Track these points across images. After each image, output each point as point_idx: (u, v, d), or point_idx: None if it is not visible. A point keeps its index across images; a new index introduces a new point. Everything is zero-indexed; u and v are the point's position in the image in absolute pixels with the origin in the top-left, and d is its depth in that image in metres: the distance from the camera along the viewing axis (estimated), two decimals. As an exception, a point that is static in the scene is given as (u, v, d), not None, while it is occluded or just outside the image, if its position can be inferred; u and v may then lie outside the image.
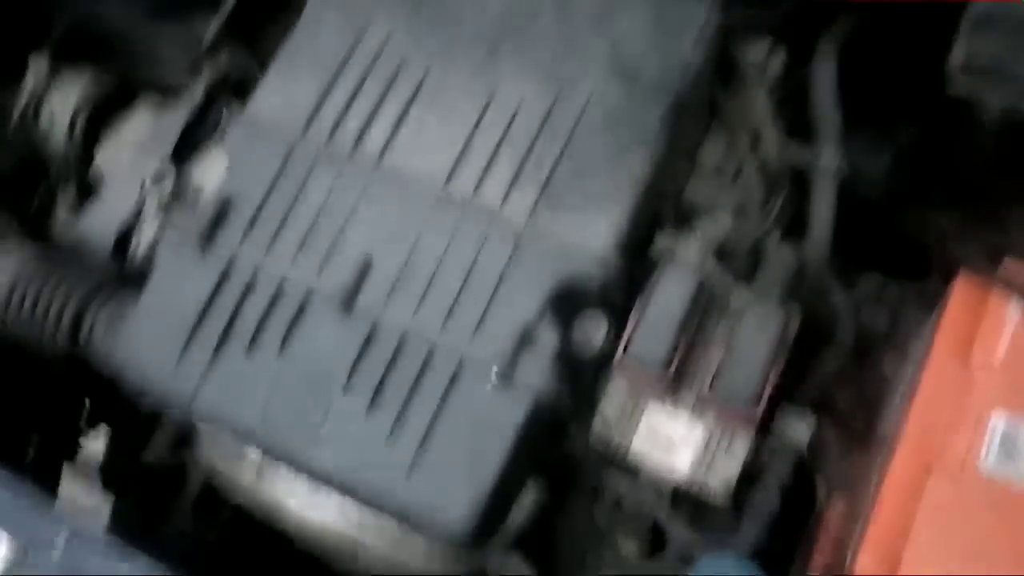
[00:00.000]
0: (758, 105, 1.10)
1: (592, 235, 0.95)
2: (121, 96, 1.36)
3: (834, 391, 1.10)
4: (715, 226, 1.02)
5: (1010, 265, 0.90)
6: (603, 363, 0.97)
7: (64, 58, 1.42)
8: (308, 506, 1.05)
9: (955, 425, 0.85)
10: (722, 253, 1.01)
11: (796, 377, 1.03)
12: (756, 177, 1.11)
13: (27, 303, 1.12)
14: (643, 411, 0.98)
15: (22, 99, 1.39)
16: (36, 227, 1.35)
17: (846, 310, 1.08)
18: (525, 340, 0.92)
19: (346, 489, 0.96)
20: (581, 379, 0.97)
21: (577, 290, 0.94)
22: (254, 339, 0.99)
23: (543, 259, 0.95)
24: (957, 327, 0.91)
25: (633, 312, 0.95)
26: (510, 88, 1.03)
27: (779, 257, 1.02)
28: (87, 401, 1.27)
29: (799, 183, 1.16)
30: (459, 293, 0.96)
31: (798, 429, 1.00)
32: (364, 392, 0.95)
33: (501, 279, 0.95)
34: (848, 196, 1.15)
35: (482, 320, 0.94)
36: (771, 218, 1.11)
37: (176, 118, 1.28)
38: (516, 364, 0.91)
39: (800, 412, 1.01)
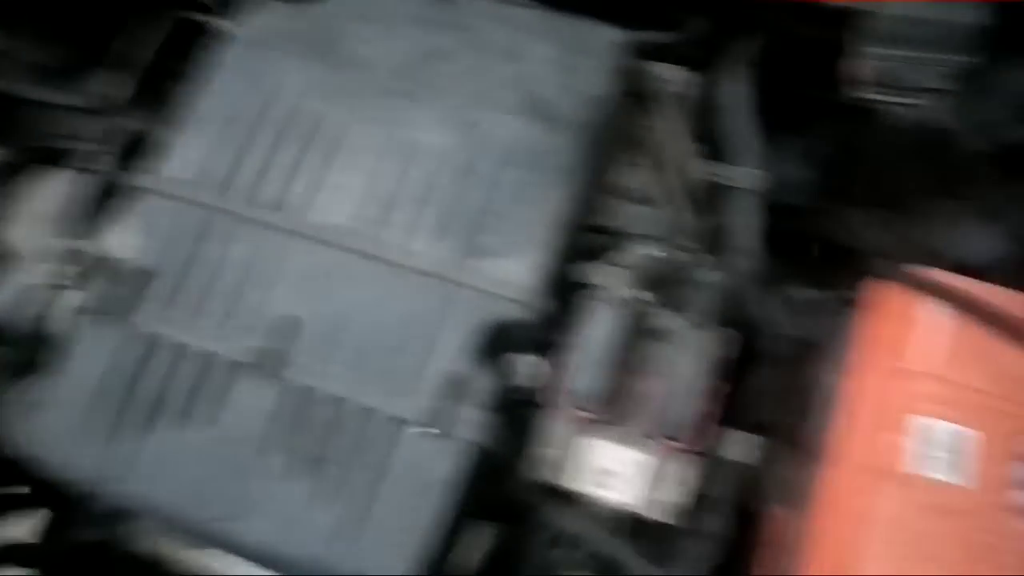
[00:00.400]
0: (674, 129, 1.11)
1: (518, 277, 0.94)
2: (24, 167, 1.32)
3: (769, 404, 1.11)
4: (642, 255, 1.02)
5: (920, 271, 0.91)
6: (538, 401, 0.97)
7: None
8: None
9: (883, 430, 0.86)
10: (651, 281, 1.01)
11: (732, 394, 1.03)
12: (678, 200, 1.12)
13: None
14: (585, 447, 0.97)
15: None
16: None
17: (775, 322, 1.10)
18: (459, 390, 0.91)
19: (285, 561, 0.93)
20: (518, 420, 0.96)
21: (507, 333, 0.94)
22: (184, 412, 0.96)
23: (471, 306, 0.94)
24: (876, 334, 0.93)
25: (566, 348, 0.95)
26: (428, 137, 1.02)
27: (708, 280, 1.02)
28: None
29: (720, 201, 1.17)
30: (390, 349, 0.94)
31: (739, 447, 1.00)
32: (301, 458, 0.93)
33: (431, 331, 0.94)
34: (769, 204, 1.17)
35: (414, 375, 0.93)
36: (696, 240, 1.12)
37: (86, 188, 1.24)
38: (452, 416, 0.90)
39: (739, 429, 1.01)
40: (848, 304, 1.13)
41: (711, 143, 1.20)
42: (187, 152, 1.07)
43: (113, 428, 0.97)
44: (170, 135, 1.31)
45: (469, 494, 0.90)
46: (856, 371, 0.89)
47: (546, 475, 0.96)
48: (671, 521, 0.93)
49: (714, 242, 1.16)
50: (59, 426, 0.98)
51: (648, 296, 0.99)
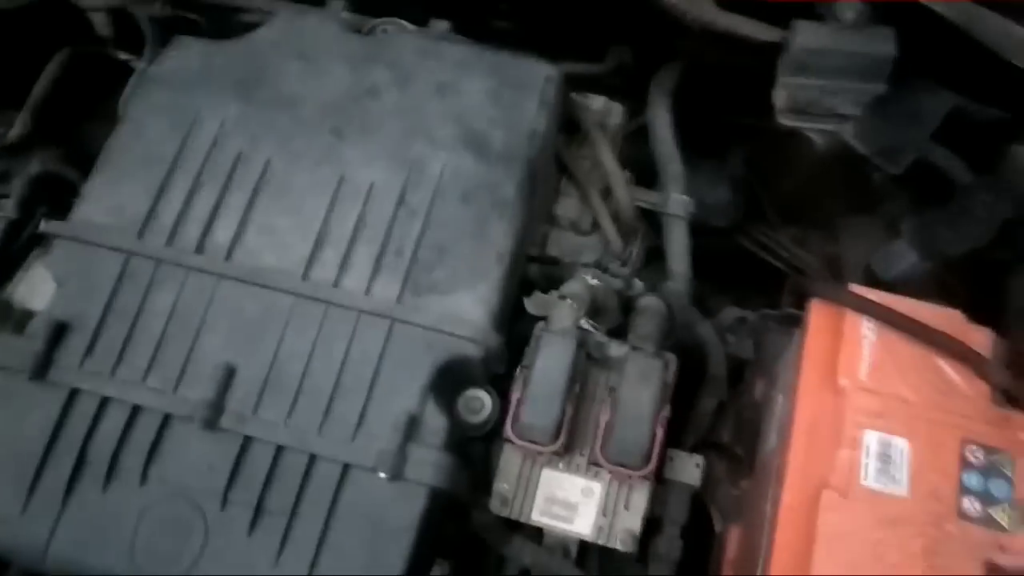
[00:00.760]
0: (604, 157, 1.13)
1: (464, 313, 0.93)
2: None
3: (714, 424, 1.13)
4: (583, 285, 1.02)
5: (858, 289, 0.95)
6: (492, 436, 0.96)
7: None
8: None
9: (835, 447, 0.88)
10: (593, 310, 1.02)
11: (678, 416, 1.05)
12: (611, 227, 1.14)
13: None
14: (539, 479, 0.96)
15: None
16: None
17: (714, 343, 1.12)
18: (410, 432, 0.89)
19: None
20: (472, 457, 0.95)
21: (457, 370, 0.92)
22: (110, 471, 0.90)
23: (417, 345, 0.92)
24: (820, 352, 0.95)
25: (516, 383, 0.94)
26: (359, 173, 1.00)
27: (647, 305, 1.03)
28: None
29: (651, 227, 1.20)
30: (333, 393, 0.91)
31: (689, 470, 1.02)
32: (243, 511, 0.88)
33: (376, 372, 0.91)
34: (695, 227, 1.20)
35: (362, 418, 0.90)
36: (632, 266, 1.14)
37: (-12, 234, 1.17)
38: (405, 459, 0.87)
39: (688, 452, 1.03)
40: (779, 321, 1.17)
41: (638, 170, 1.22)
42: (101, 195, 1.01)
43: (28, 493, 0.90)
44: (80, 177, 1.25)
45: (427, 538, 0.87)
46: (803, 391, 0.92)
47: (502, 510, 0.94)
48: (628, 548, 0.93)
49: (646, 267, 1.18)
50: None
51: (591, 324, 0.99)
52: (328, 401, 0.91)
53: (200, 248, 0.97)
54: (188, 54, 1.09)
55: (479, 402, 0.95)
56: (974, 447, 0.86)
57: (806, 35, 1.03)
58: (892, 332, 0.92)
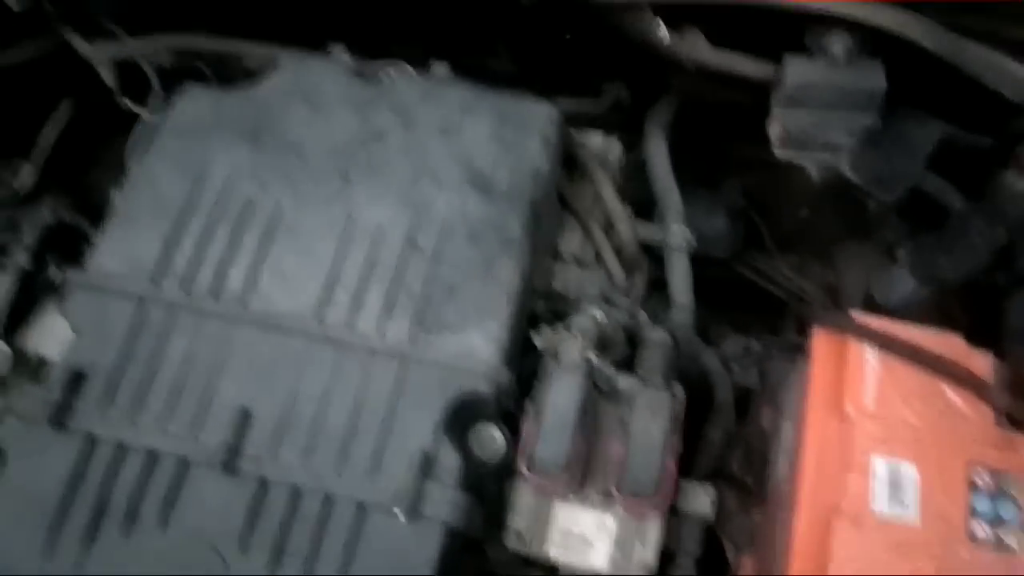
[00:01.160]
0: (606, 194, 1.15)
1: (476, 350, 0.95)
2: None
3: (724, 453, 1.14)
4: (590, 319, 1.04)
5: (860, 317, 0.97)
6: (505, 472, 0.97)
7: None
8: None
9: (844, 474, 0.90)
10: (600, 344, 1.03)
11: (686, 447, 1.06)
12: (614, 261, 1.16)
13: None
14: (553, 514, 0.97)
15: None
16: None
17: (720, 373, 1.14)
18: (426, 470, 0.90)
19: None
20: (487, 493, 0.96)
21: (469, 407, 0.94)
22: (130, 517, 0.91)
23: (430, 383, 0.93)
24: (825, 379, 0.97)
25: (527, 418, 0.95)
26: (367, 214, 1.02)
27: (654, 338, 1.05)
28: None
29: (652, 259, 1.22)
30: (348, 433, 0.92)
31: (700, 501, 1.03)
32: (263, 554, 0.89)
33: (390, 411, 0.93)
34: (694, 258, 1.22)
35: (378, 457, 0.91)
36: (635, 298, 1.16)
37: (1, 285, 1.18)
38: (422, 497, 0.89)
39: (699, 482, 1.04)
40: (783, 350, 1.18)
41: (637, 203, 1.25)
42: (116, 244, 1.03)
43: (51, 541, 0.90)
44: (88, 225, 1.27)
45: (448, 573, 0.88)
46: (811, 419, 0.93)
47: (518, 545, 0.95)
48: (645, 580, 0.94)
49: (649, 299, 1.20)
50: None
51: (600, 358, 1.01)
52: (344, 441, 0.92)
53: (214, 293, 0.99)
54: (197, 103, 1.12)
55: (491, 438, 0.96)
56: (981, 470, 0.87)
57: (798, 71, 1.06)
58: (895, 359, 0.94)
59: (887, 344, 0.93)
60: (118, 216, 1.05)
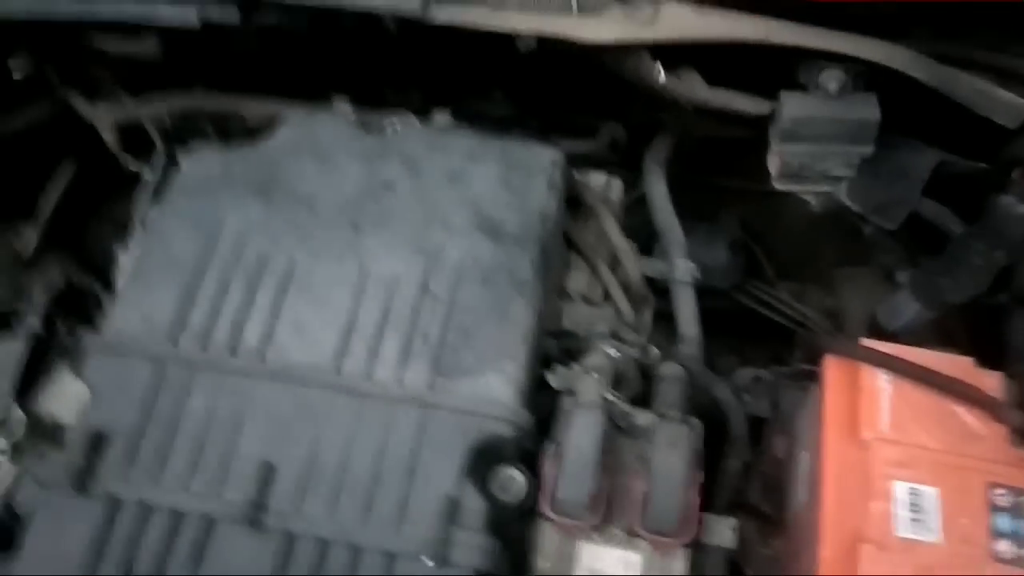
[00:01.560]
0: (611, 232, 1.17)
1: (494, 393, 0.96)
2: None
3: (741, 484, 1.15)
4: (604, 356, 1.05)
5: (870, 343, 0.99)
6: (528, 512, 0.97)
7: None
8: None
9: (866, 499, 0.91)
10: (615, 381, 1.04)
11: (705, 479, 1.07)
12: (623, 298, 1.17)
13: None
14: (578, 553, 0.97)
15: None
16: None
17: (733, 404, 1.15)
18: (451, 516, 0.90)
19: None
20: (511, 534, 0.96)
21: (490, 450, 0.94)
22: (157, 576, 0.91)
23: (451, 429, 0.94)
24: (840, 406, 0.98)
25: (547, 459, 0.96)
26: (380, 264, 1.03)
27: (668, 372, 1.06)
28: None
29: (657, 294, 1.24)
30: (372, 483, 0.93)
31: (723, 533, 1.03)
32: (290, 607, 0.89)
33: (413, 459, 0.93)
34: (698, 290, 1.24)
35: (403, 506, 0.91)
36: (644, 334, 1.17)
37: (13, 350, 1.18)
38: (449, 544, 0.89)
39: (720, 515, 1.04)
40: (793, 378, 1.20)
41: (633, 236, 1.26)
42: (132, 305, 1.04)
43: (77, 604, 0.90)
44: (98, 286, 1.28)
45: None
46: (828, 446, 0.94)
47: (545, 586, 0.96)
48: (672, 616, 0.94)
49: (656, 334, 1.22)
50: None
51: (616, 395, 1.02)
52: (368, 491, 0.92)
53: (232, 349, 1.00)
54: (205, 161, 1.13)
55: (512, 481, 0.96)
56: (1000, 490, 0.89)
57: (794, 106, 1.09)
58: (906, 383, 0.96)
59: (899, 369, 0.95)
60: (132, 276, 1.06)
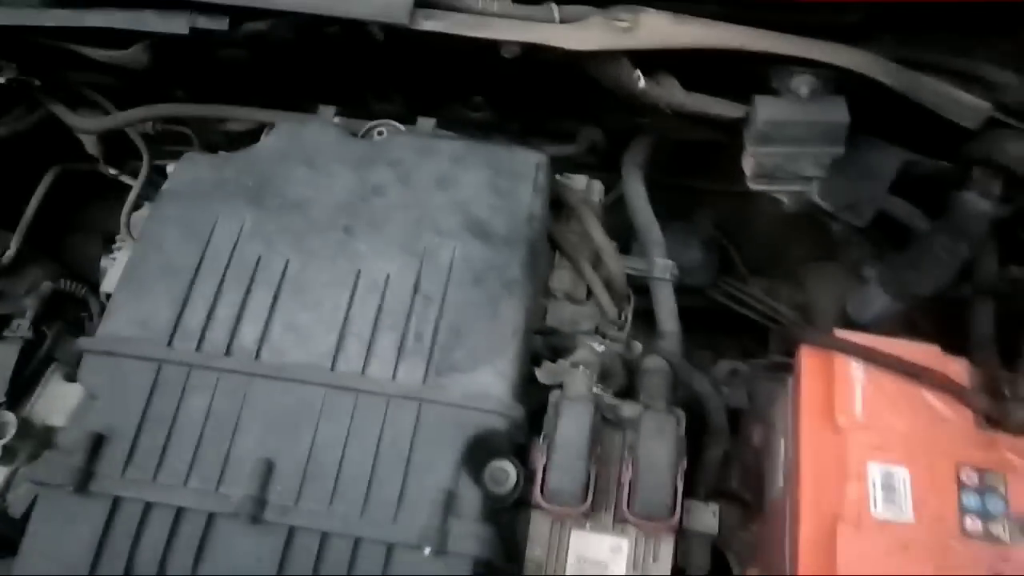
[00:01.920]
0: (594, 233, 1.21)
1: (487, 388, 0.99)
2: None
3: (722, 472, 1.20)
4: (591, 351, 1.09)
5: (843, 333, 1.04)
6: (520, 503, 1.00)
7: None
8: None
9: (842, 481, 0.96)
10: (602, 375, 1.08)
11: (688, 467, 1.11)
12: (606, 295, 1.21)
13: None
14: (569, 541, 1.01)
15: None
16: None
17: (713, 396, 1.19)
18: (449, 507, 0.93)
19: None
20: (504, 524, 0.99)
21: (484, 443, 0.97)
22: (159, 574, 0.93)
23: (446, 423, 0.97)
24: (815, 394, 1.03)
25: (539, 451, 1.00)
26: (373, 265, 1.06)
27: (652, 365, 1.11)
28: None
29: (637, 291, 1.28)
30: (371, 476, 0.95)
31: (706, 519, 1.07)
32: (292, 601, 0.91)
33: (410, 452, 0.96)
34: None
35: (401, 498, 0.94)
36: (627, 330, 1.21)
37: (4, 354, 1.19)
38: (447, 533, 0.92)
39: (702, 502, 1.09)
40: (769, 370, 1.25)
41: (620, 238, 1.31)
42: (127, 309, 1.05)
43: (80, 604, 0.92)
44: (85, 291, 1.29)
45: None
46: (804, 432, 0.99)
47: (537, 572, 0.99)
48: (661, 600, 0.98)
49: (635, 330, 1.26)
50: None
51: (603, 388, 1.06)
52: (367, 485, 0.95)
53: (229, 350, 1.02)
54: (197, 169, 1.15)
55: (504, 473, 1.00)
56: (968, 469, 0.94)
57: (767, 109, 1.13)
58: (878, 370, 1.01)
59: (872, 357, 1.00)
60: (126, 280, 1.08)
